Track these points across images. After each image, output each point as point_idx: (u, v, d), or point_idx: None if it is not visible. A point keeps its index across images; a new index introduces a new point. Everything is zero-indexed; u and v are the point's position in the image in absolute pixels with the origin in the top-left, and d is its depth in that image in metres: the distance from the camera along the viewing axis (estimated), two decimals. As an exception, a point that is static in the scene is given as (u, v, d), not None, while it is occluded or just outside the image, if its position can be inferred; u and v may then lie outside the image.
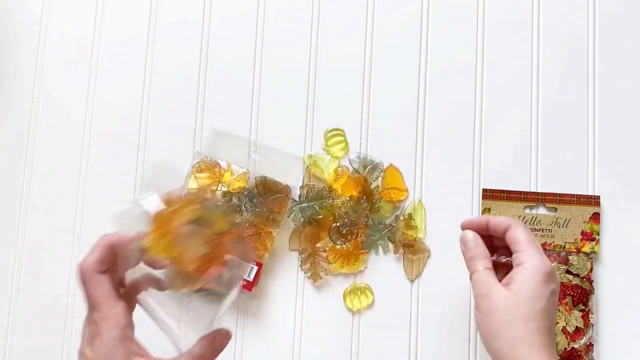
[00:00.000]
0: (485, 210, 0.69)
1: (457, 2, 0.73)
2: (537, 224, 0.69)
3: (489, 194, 0.69)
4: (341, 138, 0.71)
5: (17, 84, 0.73)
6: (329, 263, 0.69)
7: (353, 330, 0.69)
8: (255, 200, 0.67)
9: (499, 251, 0.58)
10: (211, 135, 0.71)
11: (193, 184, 0.68)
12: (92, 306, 0.47)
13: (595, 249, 0.68)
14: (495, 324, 0.52)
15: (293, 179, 0.70)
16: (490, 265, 0.56)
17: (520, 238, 0.54)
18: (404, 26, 0.73)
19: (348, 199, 0.69)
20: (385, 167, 0.70)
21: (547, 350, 0.51)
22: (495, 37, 0.72)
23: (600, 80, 0.71)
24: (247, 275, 0.66)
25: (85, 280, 0.47)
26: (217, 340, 0.49)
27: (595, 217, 0.69)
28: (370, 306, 0.69)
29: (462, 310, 0.68)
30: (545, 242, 0.68)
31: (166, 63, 0.73)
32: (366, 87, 0.72)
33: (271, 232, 0.68)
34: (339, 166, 0.70)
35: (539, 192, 0.69)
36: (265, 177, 0.69)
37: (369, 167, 0.70)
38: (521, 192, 0.69)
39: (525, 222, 0.69)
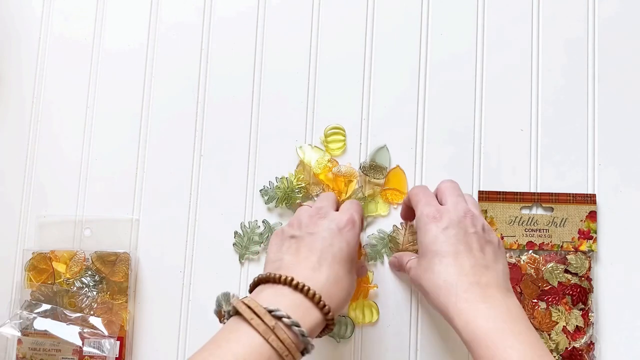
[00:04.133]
0: (482, 213, 0.69)
1: (457, 1, 0.73)
2: (534, 224, 0.69)
3: (485, 196, 0.70)
4: (341, 137, 0.71)
5: (17, 85, 0.74)
6: None
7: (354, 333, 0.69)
8: (97, 277, 0.69)
9: None
10: (36, 228, 0.71)
11: (29, 283, 0.68)
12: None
13: (593, 247, 0.68)
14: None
15: (128, 242, 0.70)
16: None
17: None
18: (403, 26, 0.73)
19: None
20: (391, 167, 0.71)
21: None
22: (495, 37, 0.73)
23: (600, 80, 0.71)
24: (109, 352, 0.66)
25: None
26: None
27: (592, 215, 0.69)
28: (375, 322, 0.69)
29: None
30: (543, 242, 0.68)
31: (167, 63, 0.74)
32: (366, 88, 0.72)
33: (123, 302, 0.68)
34: (329, 160, 0.70)
35: (534, 193, 0.70)
36: (98, 252, 0.69)
37: (373, 167, 0.70)
38: (517, 192, 0.70)
39: (522, 223, 0.69)
